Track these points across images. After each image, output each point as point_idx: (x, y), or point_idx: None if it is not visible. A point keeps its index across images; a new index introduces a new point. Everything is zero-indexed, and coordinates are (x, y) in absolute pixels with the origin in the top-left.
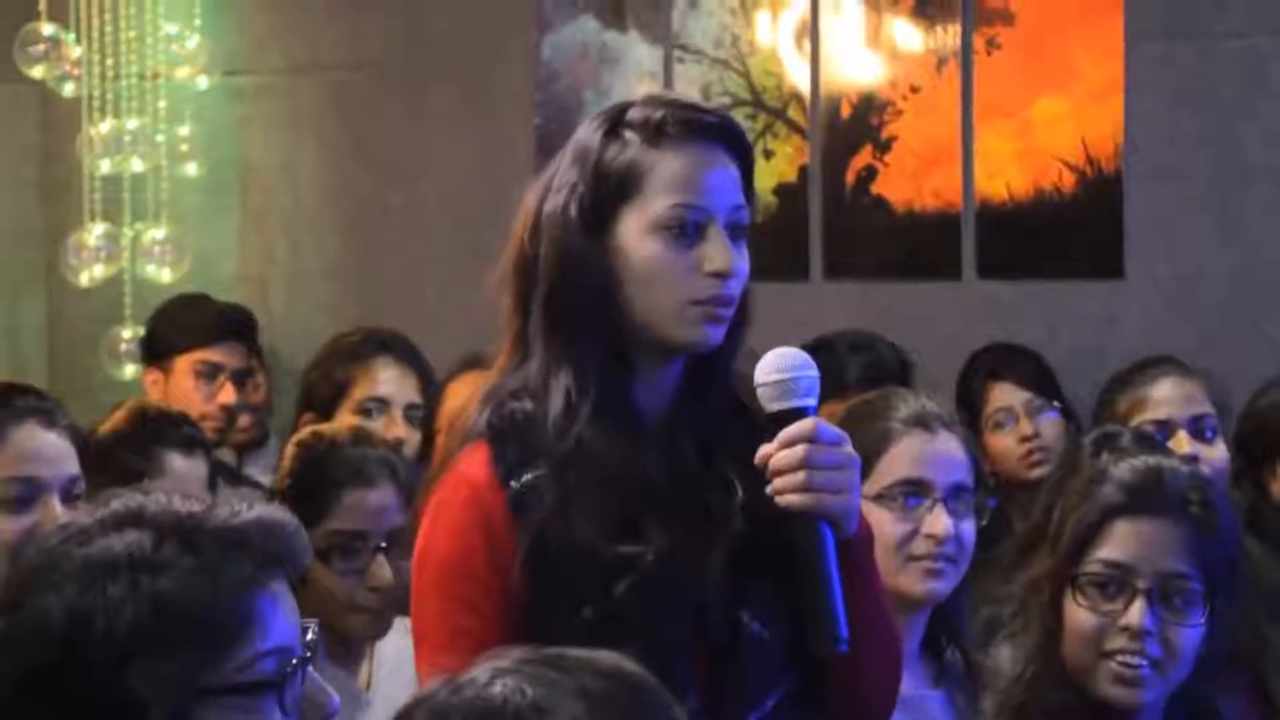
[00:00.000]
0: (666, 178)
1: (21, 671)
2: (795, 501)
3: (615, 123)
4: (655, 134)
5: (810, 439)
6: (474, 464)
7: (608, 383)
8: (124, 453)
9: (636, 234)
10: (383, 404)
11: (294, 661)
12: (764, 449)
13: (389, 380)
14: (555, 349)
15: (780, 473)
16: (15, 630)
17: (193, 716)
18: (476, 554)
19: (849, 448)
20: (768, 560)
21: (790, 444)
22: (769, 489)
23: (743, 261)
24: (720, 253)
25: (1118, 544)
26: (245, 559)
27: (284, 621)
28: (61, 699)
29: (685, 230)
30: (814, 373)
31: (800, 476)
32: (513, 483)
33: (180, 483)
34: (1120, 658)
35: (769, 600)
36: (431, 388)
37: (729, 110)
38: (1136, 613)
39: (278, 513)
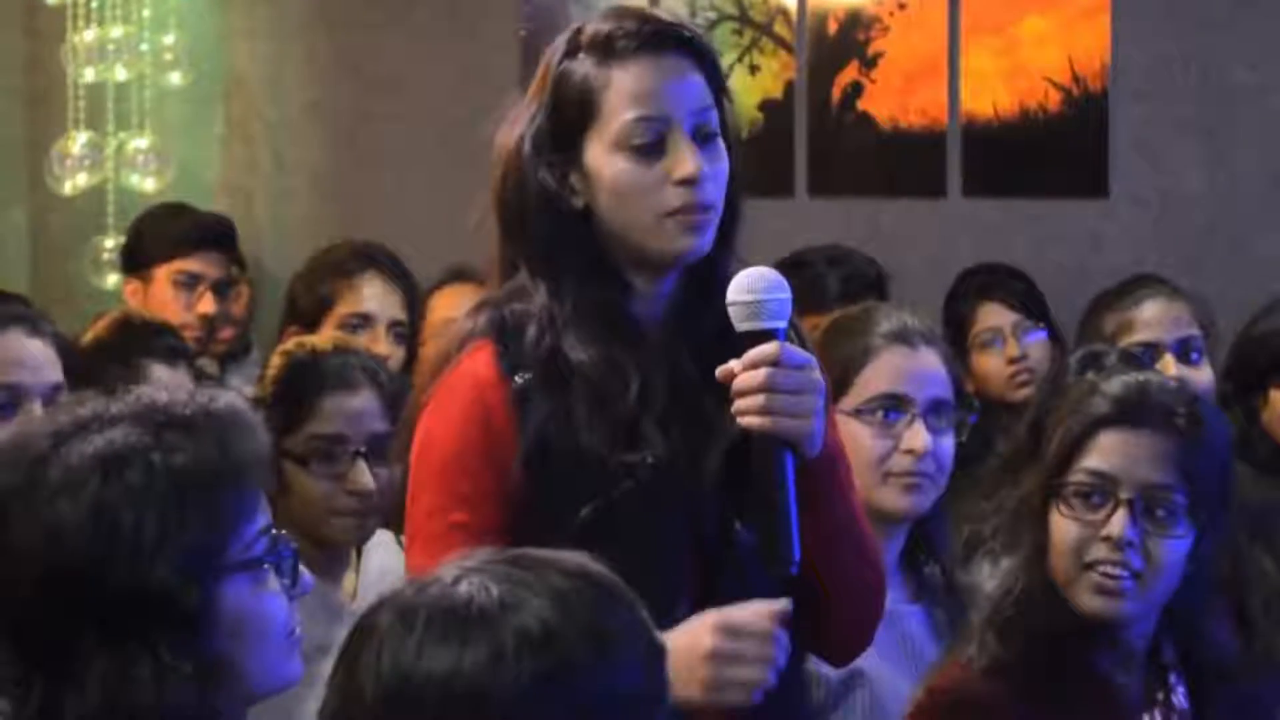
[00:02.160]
0: (622, 94)
1: (39, 578)
2: (754, 424)
3: (572, 45)
4: (605, 52)
5: (773, 362)
6: (477, 361)
7: (589, 297)
8: (106, 362)
9: (601, 155)
10: (367, 320)
11: (283, 534)
12: (725, 366)
13: (374, 297)
14: (536, 271)
15: (741, 394)
16: (24, 537)
17: (217, 599)
18: (475, 448)
19: (814, 372)
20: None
21: (753, 366)
22: (733, 409)
23: (718, 163)
24: (685, 159)
25: (1102, 454)
26: (241, 437)
27: (264, 500)
28: (91, 598)
29: (648, 143)
30: (785, 295)
31: (761, 399)
32: (516, 378)
33: None
34: (1101, 568)
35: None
36: (416, 302)
37: (715, 25)
38: (1118, 523)
39: (237, 400)
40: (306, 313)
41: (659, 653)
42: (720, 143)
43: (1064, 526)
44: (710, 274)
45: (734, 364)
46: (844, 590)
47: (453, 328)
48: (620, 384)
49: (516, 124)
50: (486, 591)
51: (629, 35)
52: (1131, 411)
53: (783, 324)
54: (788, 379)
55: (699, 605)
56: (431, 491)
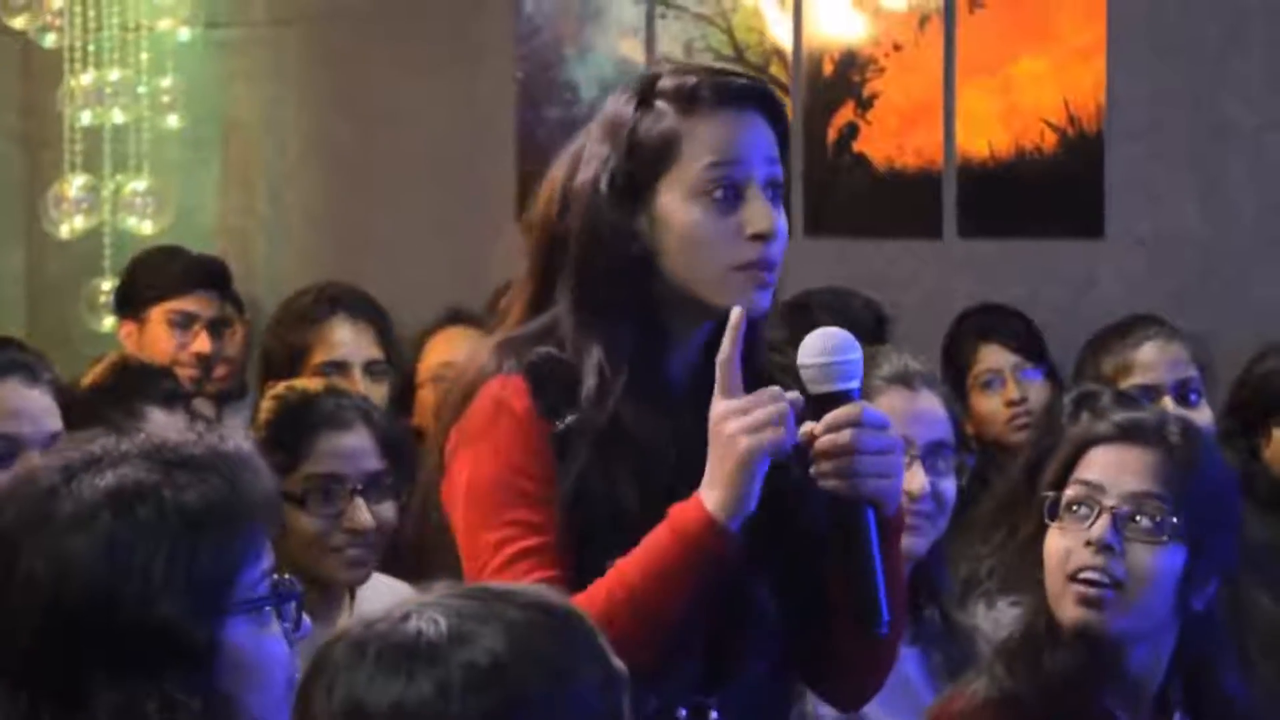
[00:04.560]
0: (703, 142)
1: (48, 610)
2: (841, 486)
3: (646, 93)
4: (689, 101)
5: (856, 423)
6: (511, 395)
7: (640, 357)
8: (104, 406)
9: (676, 202)
10: (341, 366)
11: (287, 578)
12: (807, 427)
13: (345, 341)
14: (586, 322)
15: (826, 456)
16: (34, 570)
17: (222, 638)
18: (528, 474)
19: (894, 431)
20: (780, 525)
21: (836, 428)
22: (813, 471)
23: (783, 221)
24: (762, 215)
25: (1092, 467)
26: (250, 478)
27: (269, 543)
28: (99, 633)
29: (725, 193)
30: (858, 355)
31: (847, 461)
32: (557, 422)
33: None
34: (1083, 575)
35: (778, 568)
36: (388, 333)
37: None
38: (1099, 528)
39: (244, 442)
40: (281, 366)
41: (618, 681)
42: (781, 202)
43: (1053, 539)
44: (751, 326)
45: (813, 426)
46: (884, 641)
47: (470, 366)
48: (663, 450)
49: (587, 164)
50: (435, 625)
51: (713, 88)
52: (1124, 428)
53: (856, 384)
54: (873, 440)
55: (704, 657)
56: (494, 525)
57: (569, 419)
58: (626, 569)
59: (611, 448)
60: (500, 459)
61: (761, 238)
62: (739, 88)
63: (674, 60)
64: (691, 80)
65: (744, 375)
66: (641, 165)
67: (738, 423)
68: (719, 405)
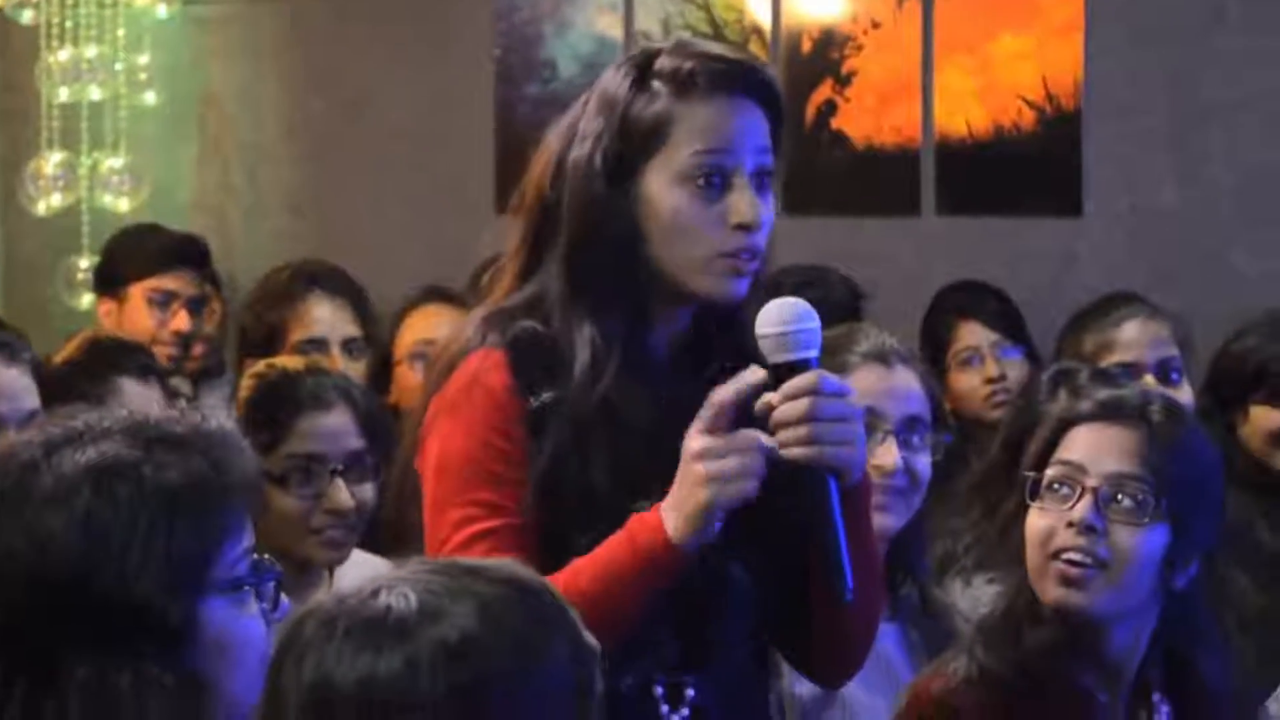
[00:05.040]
0: (693, 129)
1: (25, 584)
2: (801, 454)
3: (643, 71)
4: (685, 85)
5: (815, 391)
6: (490, 371)
7: (629, 336)
8: (78, 381)
9: (663, 185)
10: (319, 344)
11: (267, 558)
12: (765, 398)
13: (322, 319)
14: (578, 300)
15: (785, 425)
16: (12, 544)
17: (199, 616)
18: (498, 455)
19: (854, 398)
20: (758, 507)
21: (794, 396)
22: (774, 441)
23: (768, 212)
24: (747, 205)
25: (1073, 447)
26: (231, 457)
27: (249, 523)
28: (76, 607)
29: (711, 180)
30: (815, 323)
31: (805, 429)
32: (532, 399)
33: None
34: (1065, 555)
35: (754, 546)
36: (365, 310)
37: None
38: (1081, 508)
39: (227, 422)
40: (259, 343)
41: (589, 654)
42: (771, 189)
43: (1034, 519)
44: (731, 312)
45: (772, 396)
46: (862, 614)
47: (456, 338)
48: (639, 432)
49: (582, 140)
50: (405, 601)
51: (710, 74)
52: (1105, 408)
53: (815, 353)
54: (830, 407)
55: (680, 635)
56: (458, 503)
57: (545, 396)
58: (581, 570)
59: (592, 426)
60: (472, 436)
61: (745, 228)
62: (735, 74)
63: (681, 38)
64: (689, 64)
65: (711, 355)
66: (631, 146)
67: (710, 466)
68: (697, 441)
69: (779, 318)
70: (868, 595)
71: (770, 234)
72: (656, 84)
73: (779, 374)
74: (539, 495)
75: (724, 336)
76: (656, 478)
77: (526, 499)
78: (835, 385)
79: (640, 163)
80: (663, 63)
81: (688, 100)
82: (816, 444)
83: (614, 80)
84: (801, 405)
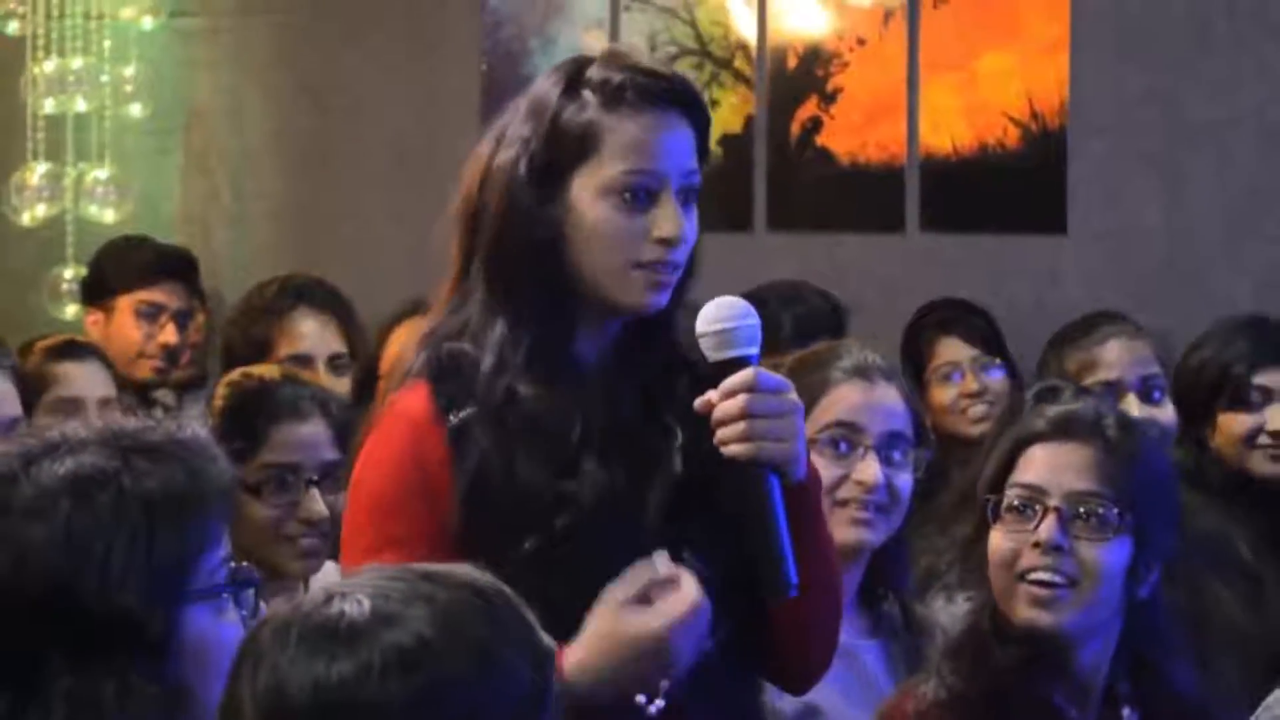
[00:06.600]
0: (622, 143)
1: (7, 596)
2: (739, 451)
3: (574, 80)
4: (614, 98)
5: (751, 388)
6: (412, 401)
7: (543, 335)
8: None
9: (588, 195)
10: (304, 360)
11: (245, 565)
12: (704, 397)
13: (309, 334)
14: (494, 300)
15: (723, 423)
16: None
17: (180, 624)
18: (410, 489)
19: (792, 395)
20: (708, 505)
21: (731, 393)
22: (715, 439)
23: (691, 227)
24: (670, 220)
25: (1030, 468)
26: (207, 466)
27: (226, 531)
28: (58, 618)
29: (637, 196)
30: (755, 321)
31: (742, 426)
32: (451, 417)
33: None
34: (1033, 575)
35: (709, 543)
36: (352, 325)
37: (675, 59)
38: (1046, 529)
39: (202, 431)
40: (244, 359)
41: (546, 656)
42: (694, 206)
43: (997, 540)
44: (655, 322)
45: (711, 394)
46: (816, 614)
47: (404, 356)
48: (562, 422)
49: (509, 145)
50: (359, 606)
51: (638, 89)
52: (1059, 425)
53: (754, 350)
54: (766, 404)
55: None
56: (365, 533)
57: (465, 412)
58: None
59: (507, 426)
60: (385, 470)
61: (666, 242)
62: (663, 90)
63: (613, 47)
64: (618, 76)
65: (643, 361)
66: (559, 153)
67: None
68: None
69: (717, 315)
70: (823, 594)
71: (696, 248)
72: (586, 93)
73: (720, 372)
74: (470, 507)
75: (648, 349)
76: (592, 468)
77: (448, 527)
78: (773, 382)
79: (567, 170)
80: (593, 72)
81: (616, 112)
82: (753, 440)
83: (544, 86)
84: (738, 402)
